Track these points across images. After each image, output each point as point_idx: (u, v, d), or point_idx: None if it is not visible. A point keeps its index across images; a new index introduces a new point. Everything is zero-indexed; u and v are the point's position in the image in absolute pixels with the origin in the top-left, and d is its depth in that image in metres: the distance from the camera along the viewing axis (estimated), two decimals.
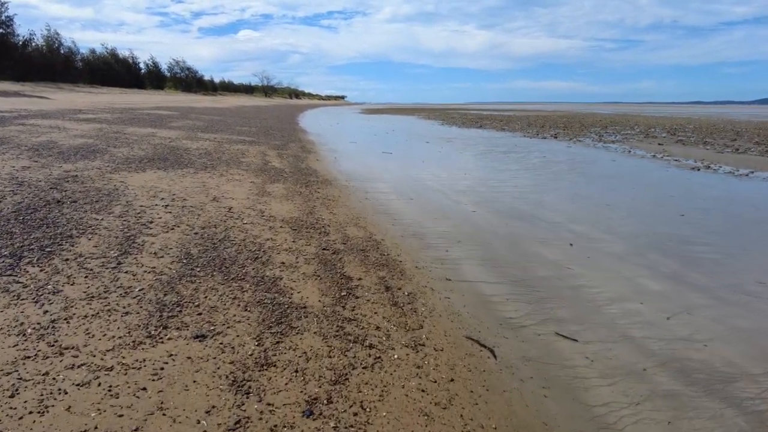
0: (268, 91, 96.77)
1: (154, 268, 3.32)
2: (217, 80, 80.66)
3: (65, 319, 2.52)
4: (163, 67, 63.56)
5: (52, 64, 38.95)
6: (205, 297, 2.97)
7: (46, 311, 2.57)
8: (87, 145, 8.55)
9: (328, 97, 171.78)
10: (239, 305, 2.91)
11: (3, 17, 36.51)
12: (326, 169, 9.43)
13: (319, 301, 3.12)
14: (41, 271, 3.07)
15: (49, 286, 2.86)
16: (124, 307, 2.71)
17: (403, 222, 5.67)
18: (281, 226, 4.79)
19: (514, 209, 6.67)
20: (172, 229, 4.22)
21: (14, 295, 2.70)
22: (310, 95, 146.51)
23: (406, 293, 3.44)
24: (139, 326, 2.53)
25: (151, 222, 4.32)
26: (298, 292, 3.22)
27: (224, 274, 3.36)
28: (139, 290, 2.95)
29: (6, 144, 7.66)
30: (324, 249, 4.24)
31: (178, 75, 65.88)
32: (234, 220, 4.77)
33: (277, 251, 4.01)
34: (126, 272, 3.19)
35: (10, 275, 2.95)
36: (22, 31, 43.03)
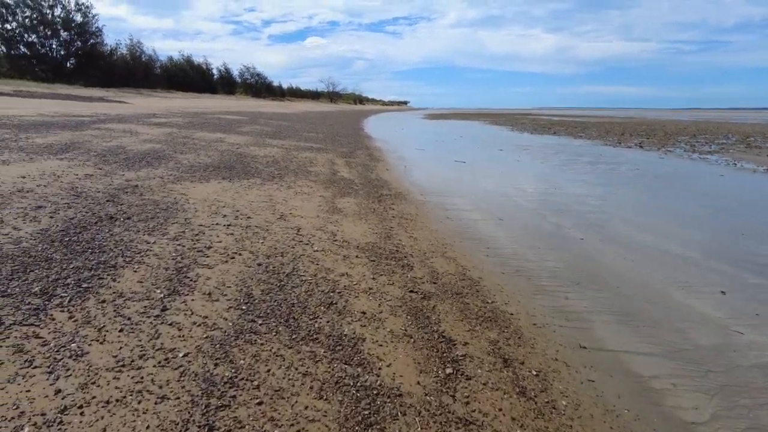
0: (333, 96, 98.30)
1: (206, 318, 2.60)
2: (285, 86, 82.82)
3: (80, 406, 1.82)
4: (235, 73, 65.90)
5: (133, 71, 41.16)
6: (268, 371, 2.19)
7: (59, 391, 1.89)
8: (154, 150, 8.26)
9: (391, 103, 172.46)
10: (312, 388, 2.11)
11: (93, 28, 39.03)
12: (397, 180, 8.62)
13: (418, 383, 2.26)
14: (69, 318, 2.42)
15: (72, 345, 2.19)
16: (160, 387, 1.99)
17: (500, 252, 4.70)
18: (357, 256, 3.99)
19: (629, 237, 5.51)
20: (232, 258, 3.52)
21: (26, 360, 2.05)
22: (373, 101, 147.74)
23: (533, 372, 2.50)
24: (177, 424, 1.79)
25: (209, 247, 3.66)
26: (388, 365, 2.38)
27: (292, 331, 2.58)
28: (184, 356, 2.22)
29: (78, 149, 7.47)
30: (411, 291, 3.39)
31: (248, 81, 68.06)
32: (303, 245, 4.03)
33: (354, 293, 3.20)
34: (170, 324, 2.48)
35: (32, 325, 2.32)
36: (109, 41, 45.75)
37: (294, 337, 2.52)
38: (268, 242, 3.98)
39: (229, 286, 3.03)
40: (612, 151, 16.87)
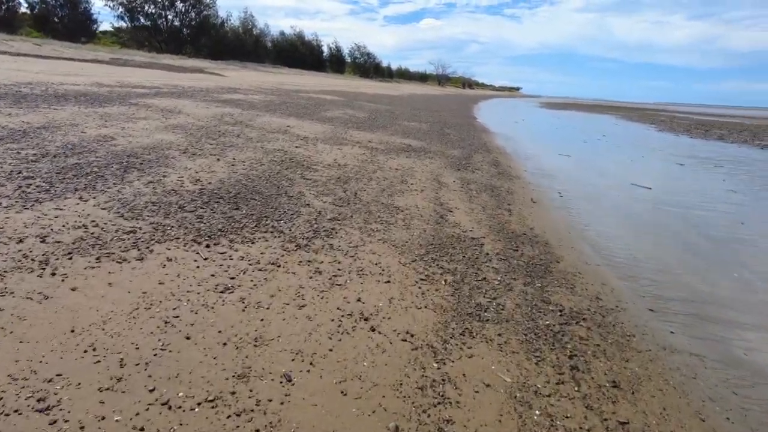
0: (441, 79, 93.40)
1: None
2: (394, 67, 79.81)
3: None
4: (345, 51, 63.95)
5: (243, 44, 40.25)
6: None
7: None
8: (158, 145, 5.16)
9: (502, 88, 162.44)
10: None
11: (208, 0, 38.48)
12: (562, 235, 4.57)
13: None
14: None
15: None
16: None
17: None
18: None
19: None
20: None
21: None
22: (483, 85, 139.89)
23: None
24: None
25: None
26: None
27: None
28: None
29: (28, 140, 4.54)
30: None
31: (357, 60, 65.84)
32: None
33: None
34: None
35: None
36: (222, 13, 45.34)
37: None
38: None
39: None
40: None
